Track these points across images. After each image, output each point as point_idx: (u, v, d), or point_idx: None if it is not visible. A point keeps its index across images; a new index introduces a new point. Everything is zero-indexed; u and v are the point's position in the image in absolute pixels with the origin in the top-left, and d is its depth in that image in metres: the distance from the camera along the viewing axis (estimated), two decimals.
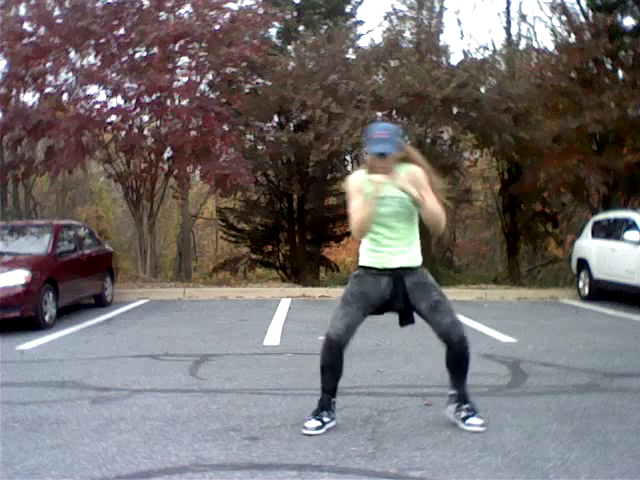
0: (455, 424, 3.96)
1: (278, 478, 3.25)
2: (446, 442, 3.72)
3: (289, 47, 15.57)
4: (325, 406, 3.97)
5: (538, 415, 4.26)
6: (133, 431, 3.98)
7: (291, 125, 14.79)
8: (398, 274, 3.87)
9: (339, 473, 3.29)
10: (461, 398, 3.99)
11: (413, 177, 3.81)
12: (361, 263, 4.00)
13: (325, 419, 3.93)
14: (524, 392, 4.97)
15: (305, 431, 3.88)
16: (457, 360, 3.94)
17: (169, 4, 13.41)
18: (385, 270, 3.88)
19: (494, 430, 3.90)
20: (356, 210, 3.84)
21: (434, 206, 3.78)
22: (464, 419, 3.95)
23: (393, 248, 3.88)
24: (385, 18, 15.34)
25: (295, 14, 15.43)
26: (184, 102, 13.59)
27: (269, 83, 14.23)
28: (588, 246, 11.69)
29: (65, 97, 13.38)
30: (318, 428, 3.88)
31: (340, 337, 3.86)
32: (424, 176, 3.84)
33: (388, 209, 3.83)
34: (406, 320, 3.99)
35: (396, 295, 3.88)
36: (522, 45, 16.78)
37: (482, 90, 14.10)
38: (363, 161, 3.98)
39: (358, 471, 3.31)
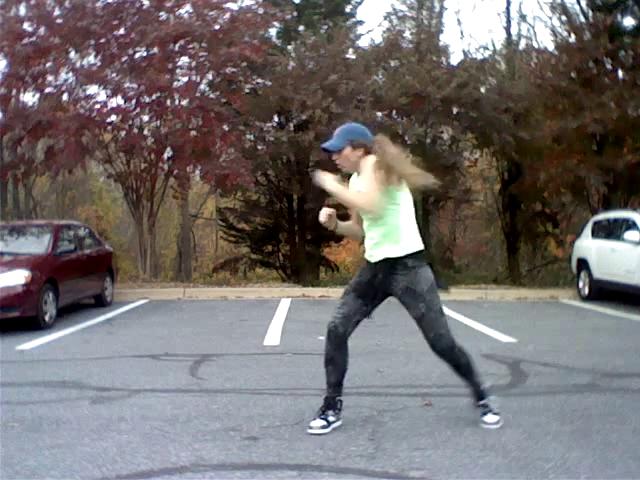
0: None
1: (278, 478, 3.25)
2: (446, 442, 3.73)
3: (289, 47, 15.56)
4: (331, 405, 3.95)
5: (538, 415, 4.26)
6: (133, 431, 3.98)
7: (291, 125, 14.78)
8: (380, 267, 3.89)
9: (339, 473, 3.29)
10: (475, 395, 4.01)
11: (360, 169, 3.86)
12: None
13: (331, 418, 3.92)
14: (524, 392, 4.96)
15: (310, 431, 3.86)
16: (451, 366, 4.00)
17: (169, 4, 13.41)
18: (371, 263, 3.96)
19: (494, 430, 3.90)
20: None
21: (347, 194, 3.84)
22: (481, 417, 3.98)
23: (368, 242, 3.98)
24: (385, 18, 15.43)
25: (295, 14, 15.44)
26: (184, 102, 13.60)
27: (269, 83, 14.24)
28: (588, 246, 11.69)
29: (65, 97, 13.38)
30: (324, 427, 3.87)
31: (336, 325, 3.89)
32: (370, 164, 3.77)
33: None
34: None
35: (376, 288, 3.91)
36: (522, 45, 16.84)
37: (482, 90, 14.13)
38: None
39: (358, 471, 3.31)
